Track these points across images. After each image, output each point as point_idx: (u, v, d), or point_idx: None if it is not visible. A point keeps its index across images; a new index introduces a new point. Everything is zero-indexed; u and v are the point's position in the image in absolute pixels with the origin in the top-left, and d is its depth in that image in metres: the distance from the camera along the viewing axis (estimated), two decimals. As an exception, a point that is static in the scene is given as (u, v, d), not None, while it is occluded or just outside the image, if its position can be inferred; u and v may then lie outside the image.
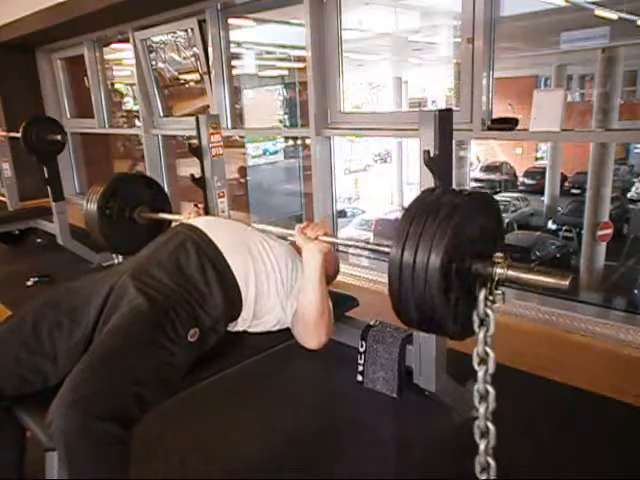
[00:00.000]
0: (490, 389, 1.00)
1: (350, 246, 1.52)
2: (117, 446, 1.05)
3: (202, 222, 1.56)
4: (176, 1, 3.27)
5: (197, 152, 2.14)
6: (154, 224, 2.09)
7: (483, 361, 1.00)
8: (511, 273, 0.95)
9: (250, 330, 1.51)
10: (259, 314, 1.49)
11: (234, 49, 3.66)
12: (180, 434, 1.75)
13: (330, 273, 1.63)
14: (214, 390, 1.50)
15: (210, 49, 3.35)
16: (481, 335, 0.98)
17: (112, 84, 5.00)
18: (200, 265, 1.39)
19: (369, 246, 1.48)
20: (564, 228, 9.62)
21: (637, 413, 1.72)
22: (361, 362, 1.70)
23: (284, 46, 5.60)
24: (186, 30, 3.57)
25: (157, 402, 1.17)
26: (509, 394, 1.17)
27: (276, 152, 7.45)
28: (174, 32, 3.74)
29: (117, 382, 1.09)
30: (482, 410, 1.01)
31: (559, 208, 11.00)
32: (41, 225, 4.02)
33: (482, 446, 1.02)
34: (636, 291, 7.45)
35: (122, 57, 4.83)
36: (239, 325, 1.48)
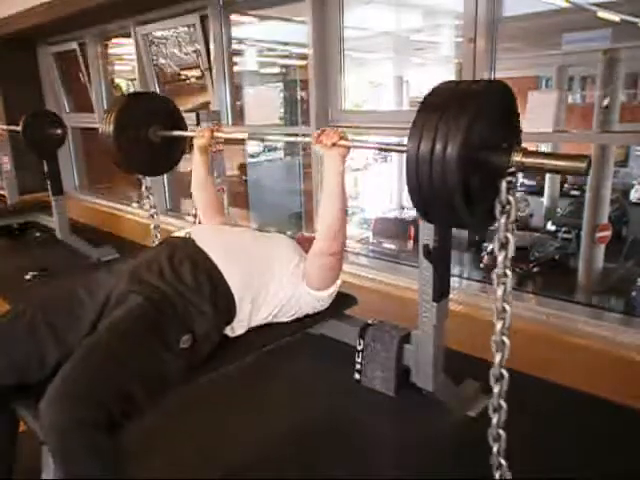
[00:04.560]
0: (509, 273, 1.07)
1: (366, 148, 1.56)
2: (106, 440, 1.05)
3: (197, 232, 1.56)
4: (178, -3, 3.27)
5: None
6: (169, 142, 2.09)
7: (504, 246, 1.05)
8: (529, 160, 0.96)
9: (255, 325, 1.52)
10: (257, 317, 1.50)
11: (236, 46, 3.65)
12: (177, 431, 1.75)
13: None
14: (212, 388, 1.50)
15: (212, 45, 3.35)
16: (502, 221, 1.02)
17: (112, 80, 4.99)
18: (193, 274, 1.39)
19: (384, 147, 1.50)
20: (563, 229, 9.62)
21: (634, 415, 1.73)
22: (359, 360, 1.70)
23: (286, 43, 5.59)
24: (188, 26, 3.56)
25: (148, 404, 1.17)
26: (507, 394, 1.17)
27: (276, 149, 7.45)
28: (176, 28, 3.74)
29: (105, 378, 1.10)
30: (500, 291, 1.08)
31: (558, 209, 10.99)
32: (40, 219, 4.02)
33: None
34: (634, 293, 7.45)
35: (122, 52, 4.82)
36: (236, 329, 1.48)
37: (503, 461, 1.10)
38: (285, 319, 1.56)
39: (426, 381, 1.60)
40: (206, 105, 3.73)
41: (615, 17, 4.35)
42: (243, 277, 1.45)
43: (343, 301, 1.75)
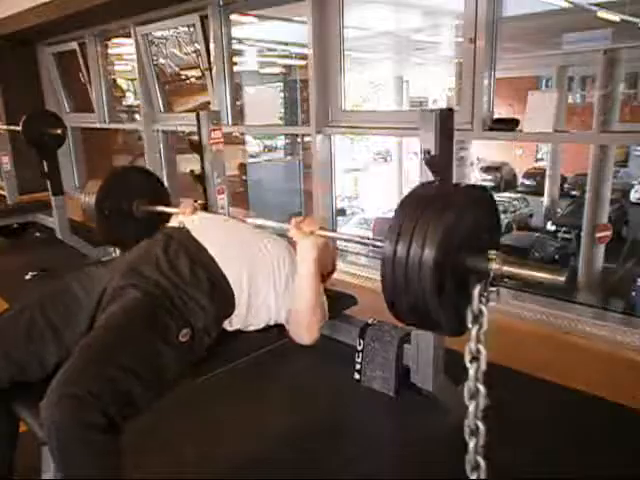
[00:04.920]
0: (481, 387, 0.97)
1: (345, 240, 1.51)
2: (105, 440, 1.05)
3: (193, 225, 1.54)
4: (178, -3, 3.27)
5: (197, 148, 2.15)
6: (153, 217, 2.04)
7: (475, 358, 0.96)
8: (507, 269, 0.93)
9: (245, 328, 1.50)
10: (254, 312, 1.48)
11: (236, 46, 3.65)
12: (175, 429, 1.75)
13: (327, 269, 1.63)
14: (211, 387, 1.50)
15: (212, 45, 3.35)
16: (474, 332, 0.95)
17: (114, 80, 4.99)
18: (191, 267, 1.37)
19: (364, 240, 1.50)
20: (563, 229, 9.63)
21: (634, 415, 1.73)
22: (359, 360, 1.70)
23: (286, 43, 5.60)
24: (188, 26, 3.56)
25: (147, 402, 1.17)
26: (507, 395, 1.17)
27: (276, 148, 7.49)
28: (176, 28, 3.73)
29: (104, 377, 1.09)
30: (472, 409, 0.98)
31: (558, 209, 11.00)
32: (40, 219, 4.02)
33: (471, 445, 1.00)
34: (633, 293, 7.46)
35: (122, 52, 4.82)
36: (234, 324, 1.47)
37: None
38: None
39: (426, 381, 1.60)
40: (206, 105, 3.73)
41: (615, 17, 4.36)
42: (242, 271, 1.43)
43: (343, 301, 1.75)
